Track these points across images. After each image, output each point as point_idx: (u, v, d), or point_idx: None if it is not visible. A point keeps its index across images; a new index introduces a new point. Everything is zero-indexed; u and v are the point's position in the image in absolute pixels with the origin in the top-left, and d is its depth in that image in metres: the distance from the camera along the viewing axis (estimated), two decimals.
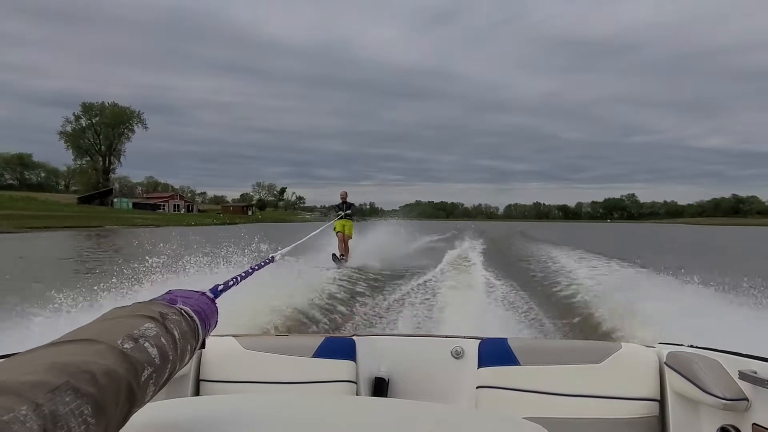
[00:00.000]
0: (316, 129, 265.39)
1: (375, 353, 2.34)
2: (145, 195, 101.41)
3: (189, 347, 0.95)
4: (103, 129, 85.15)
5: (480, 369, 2.18)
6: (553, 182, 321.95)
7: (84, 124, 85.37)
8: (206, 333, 1.05)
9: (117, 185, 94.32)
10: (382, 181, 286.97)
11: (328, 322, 7.41)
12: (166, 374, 0.86)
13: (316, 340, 2.27)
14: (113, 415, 0.68)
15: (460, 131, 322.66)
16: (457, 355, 2.29)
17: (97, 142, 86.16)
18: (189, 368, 2.23)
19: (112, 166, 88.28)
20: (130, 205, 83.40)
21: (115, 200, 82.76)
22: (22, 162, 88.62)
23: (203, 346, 1.04)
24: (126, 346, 0.76)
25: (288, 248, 2.02)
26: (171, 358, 0.86)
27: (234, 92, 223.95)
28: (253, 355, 2.24)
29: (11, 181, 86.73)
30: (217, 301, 1.14)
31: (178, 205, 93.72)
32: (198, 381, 2.27)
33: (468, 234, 32.83)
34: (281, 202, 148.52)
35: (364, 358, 2.29)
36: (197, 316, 1.01)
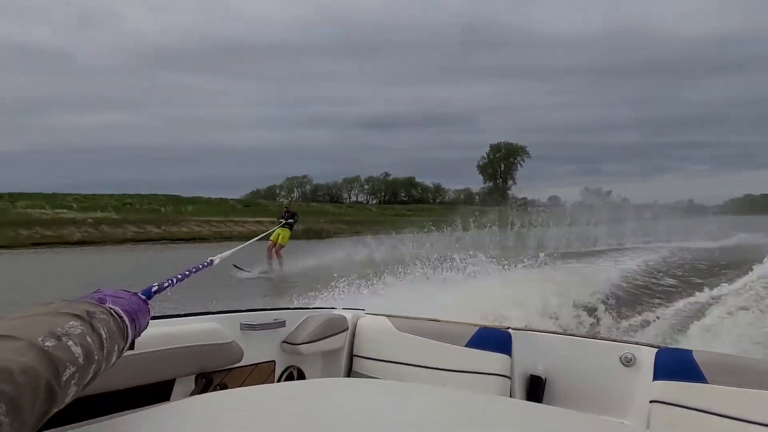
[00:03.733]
0: (602, 122, 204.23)
1: (532, 350, 2.21)
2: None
3: (116, 348, 0.93)
4: (502, 161, 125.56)
5: (655, 382, 1.93)
6: None
7: (490, 158, 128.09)
8: (136, 334, 1.03)
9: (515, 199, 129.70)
10: (686, 173, 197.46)
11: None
12: (90, 374, 0.82)
13: (470, 330, 2.21)
14: (29, 414, 0.65)
15: None
16: (628, 362, 2.05)
17: (498, 170, 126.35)
18: (344, 342, 2.39)
19: (507, 185, 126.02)
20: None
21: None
22: (411, 183, 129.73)
23: (132, 347, 1.03)
24: (47, 343, 0.73)
25: (228, 252, 1.90)
26: (96, 358, 0.83)
27: (513, 94, 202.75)
28: (406, 337, 2.27)
29: (403, 197, 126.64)
30: (150, 302, 1.13)
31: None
32: (351, 356, 2.40)
33: None
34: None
35: (519, 353, 2.18)
36: (127, 316, 0.99)
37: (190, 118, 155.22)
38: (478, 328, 2.23)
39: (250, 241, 3.89)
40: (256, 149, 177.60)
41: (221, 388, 1.99)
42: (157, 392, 1.83)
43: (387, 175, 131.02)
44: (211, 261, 1.68)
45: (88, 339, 0.82)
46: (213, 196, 67.76)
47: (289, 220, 16.59)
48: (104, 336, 0.88)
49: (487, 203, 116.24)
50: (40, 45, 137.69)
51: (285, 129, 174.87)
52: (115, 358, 0.93)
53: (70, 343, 0.78)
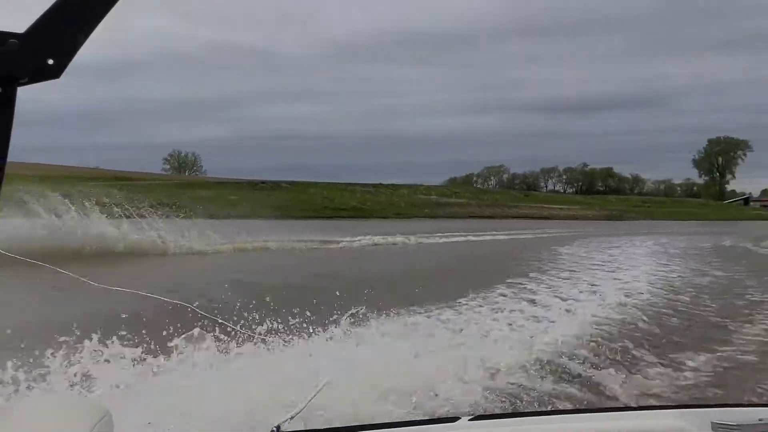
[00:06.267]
0: None
1: None
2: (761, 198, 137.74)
3: None
4: (721, 155, 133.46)
5: None
6: None
7: (707, 152, 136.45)
8: None
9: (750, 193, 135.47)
10: None
11: None
12: None
13: None
14: None
15: None
16: None
17: (716, 164, 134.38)
18: None
19: (724, 179, 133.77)
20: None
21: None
22: (609, 174, 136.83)
23: None
24: None
25: None
26: None
27: (728, 70, 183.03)
28: None
29: (600, 187, 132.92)
30: None
31: None
32: None
33: None
34: None
35: None
36: None
37: (380, 106, 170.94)
38: None
39: None
40: (445, 136, 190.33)
41: None
42: None
43: (585, 165, 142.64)
44: None
45: None
46: (416, 183, 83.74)
47: None
48: None
49: (704, 197, 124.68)
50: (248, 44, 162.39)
51: (466, 115, 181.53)
52: None
53: None
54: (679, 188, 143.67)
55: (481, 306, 9.30)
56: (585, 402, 4.91)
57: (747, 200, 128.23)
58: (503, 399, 4.91)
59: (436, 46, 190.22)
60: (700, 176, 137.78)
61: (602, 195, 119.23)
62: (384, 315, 7.00)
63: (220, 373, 4.64)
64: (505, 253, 22.16)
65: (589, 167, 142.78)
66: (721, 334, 7.93)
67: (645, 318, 8.70)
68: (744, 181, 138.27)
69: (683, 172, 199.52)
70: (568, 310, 9.28)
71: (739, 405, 1.73)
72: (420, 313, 8.30)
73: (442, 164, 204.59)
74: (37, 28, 0.88)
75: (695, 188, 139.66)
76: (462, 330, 7.33)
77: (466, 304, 9.24)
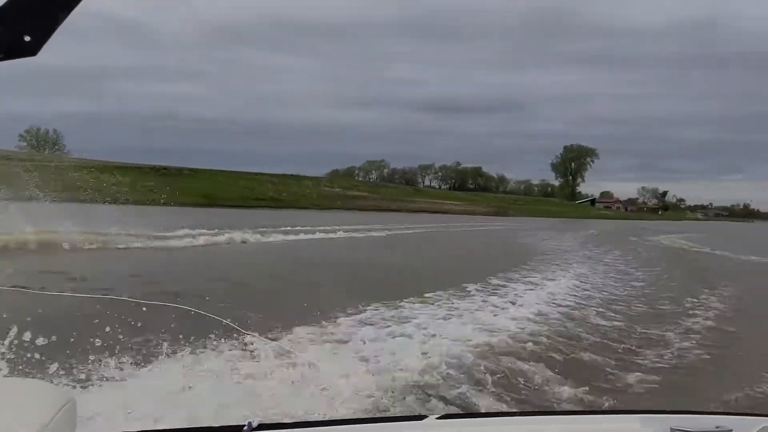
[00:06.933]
0: (673, 116, 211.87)
1: None
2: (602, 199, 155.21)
3: None
4: (574, 161, 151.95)
5: None
6: None
7: (563, 158, 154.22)
8: None
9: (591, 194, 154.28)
10: (756, 175, 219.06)
11: None
12: None
13: None
14: None
15: None
16: None
17: (569, 168, 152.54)
18: None
19: (576, 182, 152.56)
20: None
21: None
22: (478, 173, 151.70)
23: None
24: None
25: None
26: None
27: (582, 84, 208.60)
28: None
29: (470, 185, 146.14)
30: None
31: (618, 206, 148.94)
32: None
33: None
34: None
35: None
36: None
37: (260, 93, 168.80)
38: None
39: None
40: (326, 128, 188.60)
41: None
42: None
43: (458, 164, 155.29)
44: None
45: None
46: (297, 173, 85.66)
47: None
48: None
49: (559, 197, 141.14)
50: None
51: (350, 108, 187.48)
52: None
53: None
54: (536, 188, 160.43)
55: (484, 293, 10.58)
56: (545, 406, 5.04)
57: (593, 201, 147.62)
58: (464, 400, 5.01)
59: (321, 37, 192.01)
60: (556, 178, 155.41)
61: (473, 192, 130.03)
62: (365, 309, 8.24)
63: (193, 370, 4.94)
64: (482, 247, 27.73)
65: (461, 166, 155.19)
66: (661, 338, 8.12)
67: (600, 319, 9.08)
68: (591, 185, 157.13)
69: (539, 174, 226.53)
70: (513, 303, 9.92)
71: (697, 412, 1.67)
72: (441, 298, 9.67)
73: (323, 155, 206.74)
74: (14, 3, 0.87)
75: (549, 189, 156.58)
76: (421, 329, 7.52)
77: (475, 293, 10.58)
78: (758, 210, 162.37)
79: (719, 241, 36.23)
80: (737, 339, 8.36)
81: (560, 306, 9.88)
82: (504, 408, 4.83)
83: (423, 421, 1.63)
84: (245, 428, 1.37)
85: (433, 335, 7.09)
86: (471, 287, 11.15)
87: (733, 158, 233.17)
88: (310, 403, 4.33)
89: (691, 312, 10.03)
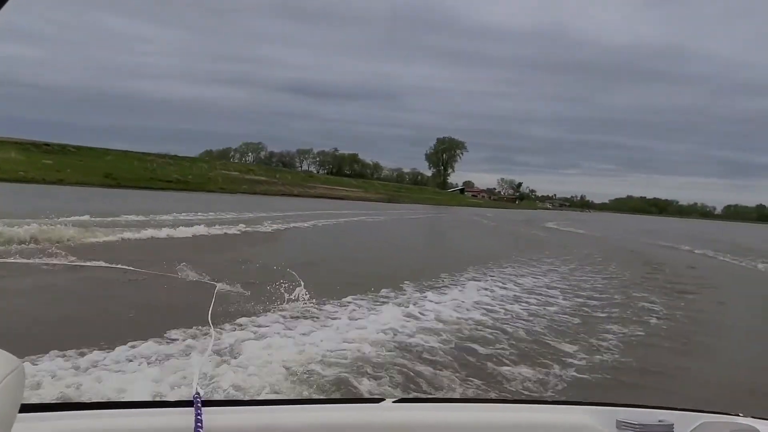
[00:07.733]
0: (525, 114, 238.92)
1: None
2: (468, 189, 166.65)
3: None
4: (446, 152, 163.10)
5: None
6: None
7: (436, 149, 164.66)
8: None
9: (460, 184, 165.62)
10: (590, 171, 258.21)
11: None
12: None
13: None
14: None
15: (698, 116, 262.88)
16: None
17: (442, 159, 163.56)
18: None
19: (447, 172, 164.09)
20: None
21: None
22: (354, 160, 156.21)
23: None
24: None
25: None
26: None
27: (447, 78, 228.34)
28: None
29: (347, 171, 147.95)
30: None
31: (483, 195, 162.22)
32: None
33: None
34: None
35: None
36: None
37: (113, 61, 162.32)
38: None
39: None
40: (192, 104, 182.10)
41: None
42: None
43: (336, 150, 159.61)
44: None
45: None
46: (164, 152, 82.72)
47: None
48: None
49: (431, 186, 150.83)
50: None
51: (211, 84, 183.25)
52: None
53: None
54: (407, 176, 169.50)
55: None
56: (494, 394, 5.36)
57: (462, 190, 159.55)
58: (417, 383, 5.48)
59: (182, 6, 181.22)
60: (429, 168, 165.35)
61: (349, 177, 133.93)
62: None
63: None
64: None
65: (339, 152, 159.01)
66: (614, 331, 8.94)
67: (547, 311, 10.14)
68: (456, 175, 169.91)
69: (409, 162, 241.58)
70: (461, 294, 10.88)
71: (642, 406, 1.75)
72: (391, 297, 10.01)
73: (189, 133, 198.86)
74: None
75: (420, 177, 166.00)
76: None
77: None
78: (592, 201, 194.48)
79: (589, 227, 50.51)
80: None
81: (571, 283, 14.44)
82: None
83: (380, 404, 1.64)
84: (195, 400, 1.39)
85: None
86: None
87: (572, 155, 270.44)
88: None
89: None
